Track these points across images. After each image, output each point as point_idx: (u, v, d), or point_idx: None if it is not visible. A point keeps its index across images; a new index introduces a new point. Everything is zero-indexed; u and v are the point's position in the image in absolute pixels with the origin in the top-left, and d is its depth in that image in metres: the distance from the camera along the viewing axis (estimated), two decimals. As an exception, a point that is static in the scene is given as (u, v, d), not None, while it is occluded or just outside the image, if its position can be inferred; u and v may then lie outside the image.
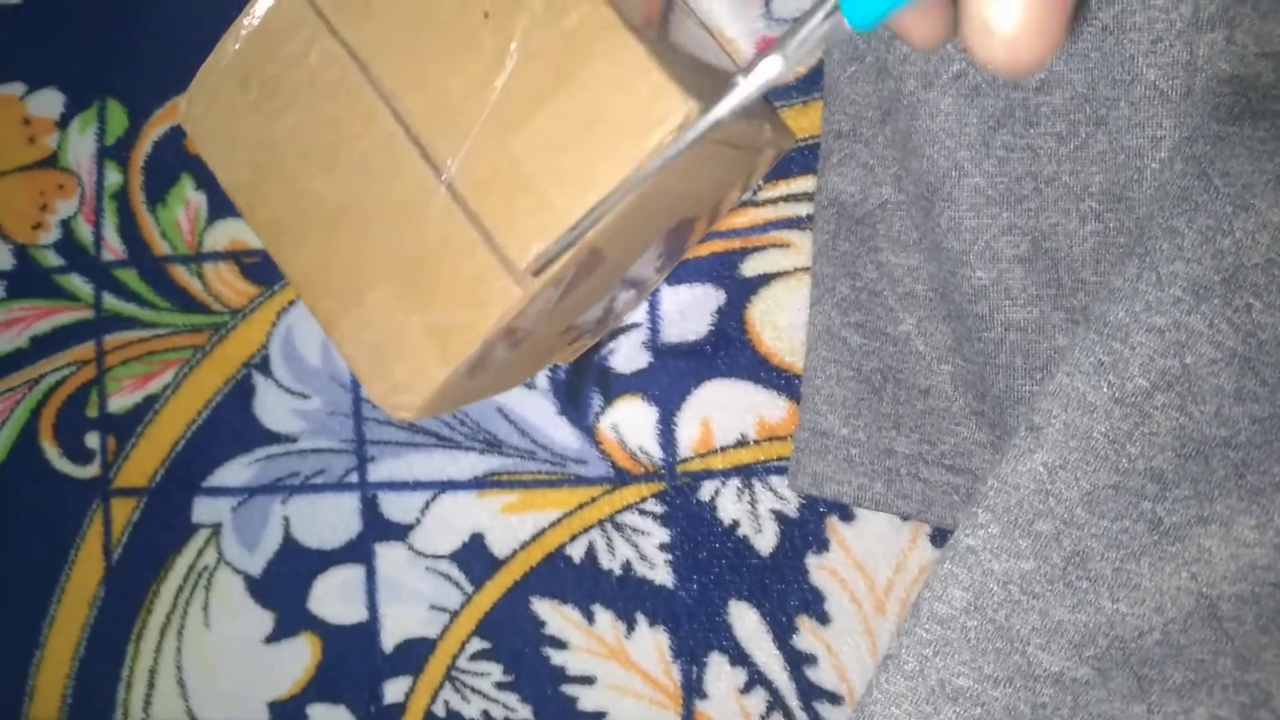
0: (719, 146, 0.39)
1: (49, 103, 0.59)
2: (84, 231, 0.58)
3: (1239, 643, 0.31)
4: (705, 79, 0.36)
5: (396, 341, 0.35)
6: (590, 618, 0.50)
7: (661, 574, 0.50)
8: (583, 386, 0.51)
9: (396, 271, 0.35)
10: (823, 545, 0.48)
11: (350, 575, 0.53)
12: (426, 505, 0.52)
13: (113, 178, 0.58)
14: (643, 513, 0.50)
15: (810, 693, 0.48)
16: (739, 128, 0.40)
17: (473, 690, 0.51)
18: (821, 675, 0.48)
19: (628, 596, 0.50)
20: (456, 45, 0.34)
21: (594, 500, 0.51)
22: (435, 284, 0.35)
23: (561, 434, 0.51)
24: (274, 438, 0.55)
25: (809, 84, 0.49)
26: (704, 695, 0.49)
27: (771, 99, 0.48)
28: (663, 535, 0.50)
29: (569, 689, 0.50)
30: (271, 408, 0.55)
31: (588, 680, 0.50)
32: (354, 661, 0.53)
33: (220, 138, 0.38)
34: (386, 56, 0.36)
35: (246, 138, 0.38)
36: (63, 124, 0.59)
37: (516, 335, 0.37)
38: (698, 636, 0.49)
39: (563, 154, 0.33)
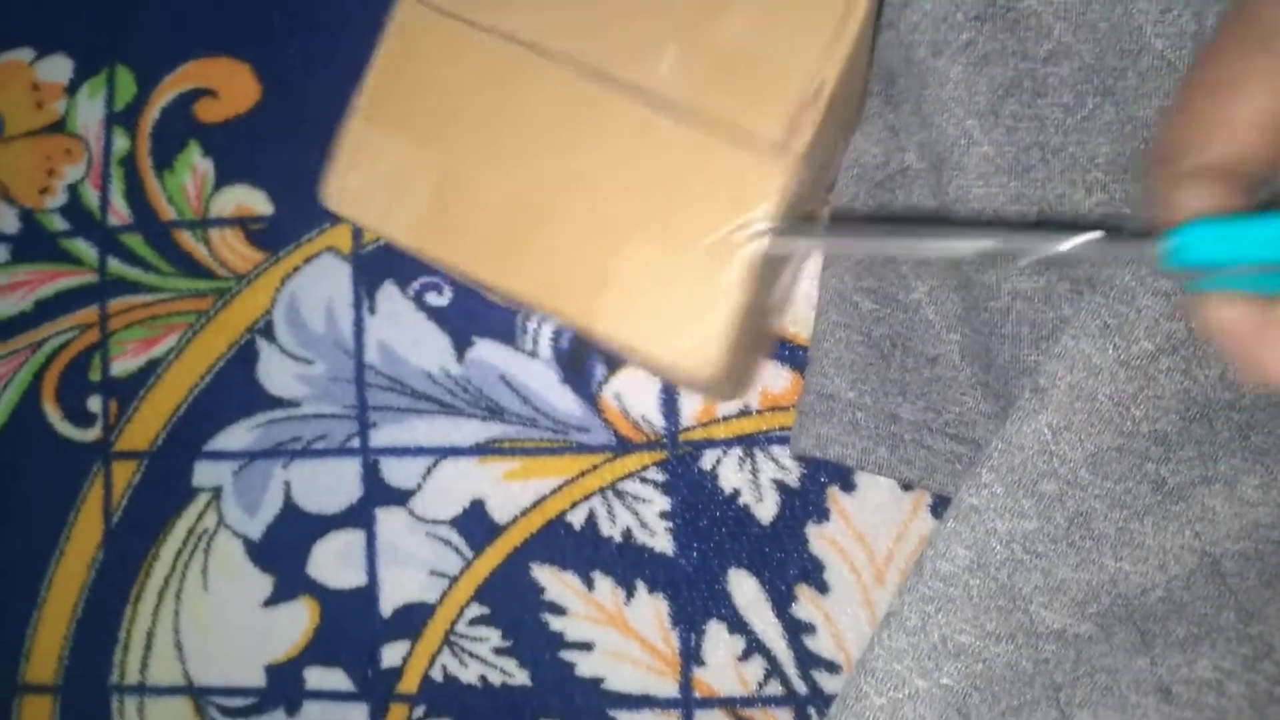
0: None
1: (58, 68, 0.59)
2: (90, 196, 0.58)
3: (1242, 597, 0.31)
4: None
5: (667, 294, 0.32)
6: (590, 584, 0.50)
7: (662, 541, 0.50)
8: (586, 355, 0.51)
9: (638, 221, 0.32)
10: (823, 515, 0.48)
11: (350, 540, 0.53)
12: (428, 471, 0.52)
13: (120, 143, 0.58)
14: (644, 480, 0.50)
15: (808, 661, 0.48)
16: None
17: (471, 655, 0.51)
18: (820, 644, 0.48)
19: (627, 563, 0.50)
20: None
21: (595, 468, 0.51)
22: (686, 211, 0.31)
23: (564, 402, 0.51)
24: (276, 402, 0.55)
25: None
26: (702, 662, 0.49)
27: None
28: (664, 503, 0.50)
29: (567, 655, 0.50)
30: (274, 373, 0.55)
31: (586, 646, 0.50)
32: (352, 626, 0.53)
33: (382, 194, 0.34)
34: (549, 25, 0.33)
35: (418, 175, 0.34)
36: (71, 90, 0.59)
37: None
38: (697, 604, 0.49)
39: (770, 27, 0.31)
